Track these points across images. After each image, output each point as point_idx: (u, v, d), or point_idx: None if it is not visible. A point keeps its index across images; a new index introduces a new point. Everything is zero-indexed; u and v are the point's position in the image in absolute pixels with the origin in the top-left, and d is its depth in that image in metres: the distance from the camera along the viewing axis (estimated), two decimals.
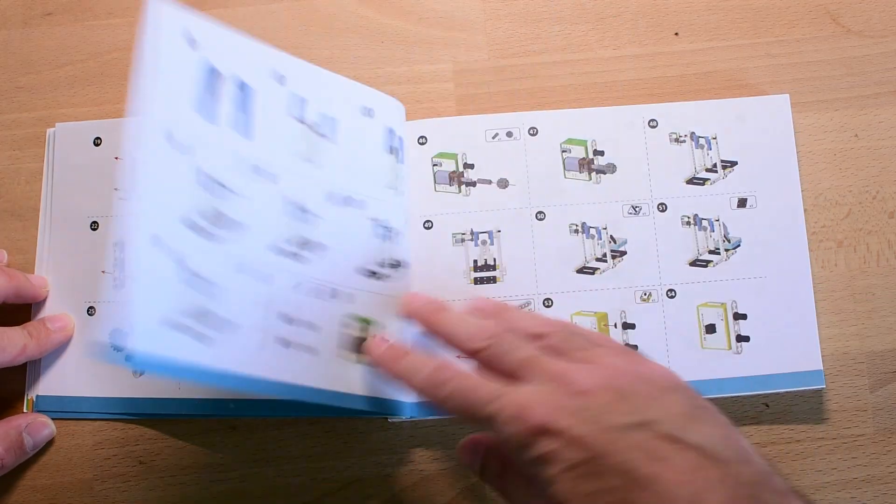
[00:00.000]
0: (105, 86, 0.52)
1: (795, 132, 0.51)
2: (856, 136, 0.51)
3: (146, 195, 0.39)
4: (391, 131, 0.49)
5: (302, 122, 0.45)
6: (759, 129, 0.50)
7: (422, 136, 0.50)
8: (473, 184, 0.49)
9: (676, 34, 0.52)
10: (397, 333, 0.46)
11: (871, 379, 0.49)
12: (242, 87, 0.43)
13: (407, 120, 0.51)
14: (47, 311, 0.49)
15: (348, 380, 0.45)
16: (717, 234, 0.49)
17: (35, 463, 0.48)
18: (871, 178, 0.50)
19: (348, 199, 0.46)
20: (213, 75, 0.42)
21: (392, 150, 0.48)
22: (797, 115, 0.51)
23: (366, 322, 0.46)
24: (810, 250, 0.50)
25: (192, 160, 0.41)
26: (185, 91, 0.41)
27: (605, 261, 0.48)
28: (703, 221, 0.49)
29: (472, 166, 0.50)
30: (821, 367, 0.47)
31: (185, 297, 0.39)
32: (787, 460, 0.48)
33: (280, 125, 0.44)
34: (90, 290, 0.49)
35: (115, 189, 0.49)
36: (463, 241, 0.49)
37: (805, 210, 0.50)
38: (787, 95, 0.50)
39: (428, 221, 0.49)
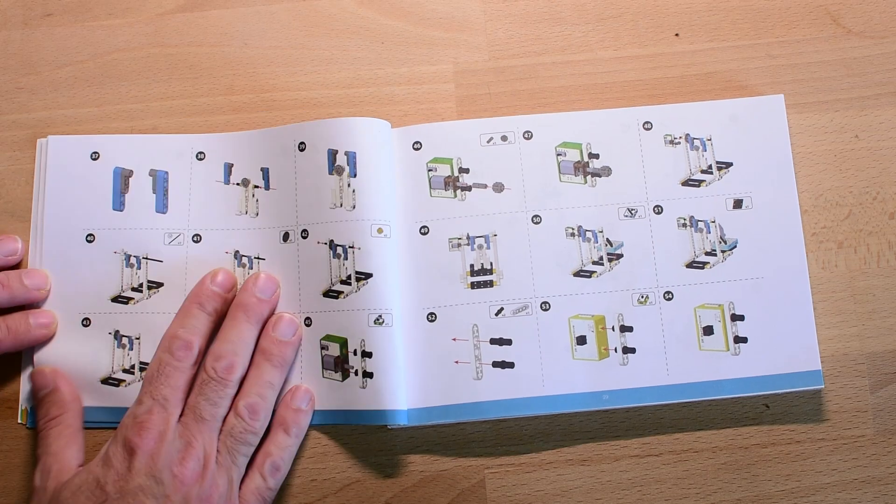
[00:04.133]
0: (105, 86, 0.52)
1: (796, 133, 0.51)
2: (856, 136, 0.51)
3: (72, 286, 0.49)
4: (332, 153, 0.48)
5: (227, 183, 0.50)
6: (754, 130, 0.50)
7: (416, 142, 0.50)
8: (469, 188, 0.49)
9: (677, 35, 0.52)
10: (376, 347, 0.47)
11: (872, 380, 0.49)
12: (154, 173, 0.50)
13: (406, 122, 0.51)
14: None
15: (337, 398, 0.47)
16: (714, 236, 0.49)
17: (35, 463, 0.48)
18: (872, 179, 0.50)
19: (290, 233, 0.48)
20: (121, 174, 0.50)
21: (336, 170, 0.48)
22: (798, 116, 0.51)
23: (341, 340, 0.47)
24: (811, 251, 0.50)
25: (112, 247, 0.49)
26: (98, 194, 0.49)
27: (602, 264, 0.48)
28: (699, 223, 0.49)
29: (467, 171, 0.49)
30: (819, 367, 0.47)
31: (118, 357, 0.48)
32: (787, 461, 0.48)
33: (206, 192, 0.50)
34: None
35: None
36: (459, 245, 0.49)
37: (805, 211, 0.50)
38: (782, 96, 0.50)
39: (424, 227, 0.49)
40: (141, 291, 0.49)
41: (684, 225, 0.49)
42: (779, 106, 0.50)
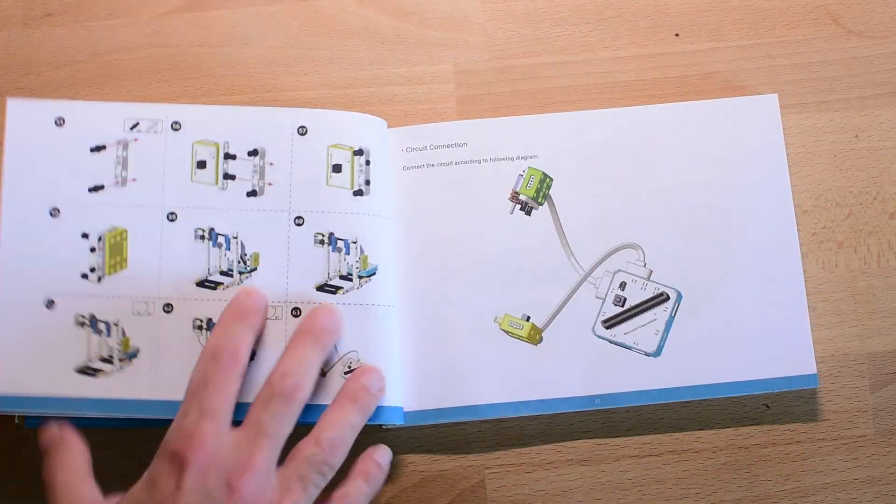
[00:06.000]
0: (105, 86, 0.52)
1: (796, 133, 0.51)
2: (856, 136, 0.51)
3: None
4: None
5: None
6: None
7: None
8: None
9: (677, 35, 0.52)
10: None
11: (872, 380, 0.49)
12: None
13: (407, 122, 0.51)
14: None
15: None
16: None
17: (36, 464, 0.48)
18: (872, 179, 0.50)
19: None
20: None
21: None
22: (797, 117, 0.51)
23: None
24: (811, 251, 0.50)
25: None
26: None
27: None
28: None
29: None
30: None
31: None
32: (787, 461, 0.48)
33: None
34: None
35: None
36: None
37: (805, 211, 0.50)
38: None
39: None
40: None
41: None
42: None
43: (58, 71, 0.52)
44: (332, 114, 0.48)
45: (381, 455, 0.45)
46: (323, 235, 0.47)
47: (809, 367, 0.47)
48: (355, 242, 0.47)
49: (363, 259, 0.47)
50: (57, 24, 0.53)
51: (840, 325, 0.49)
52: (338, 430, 0.42)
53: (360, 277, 0.47)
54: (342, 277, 0.47)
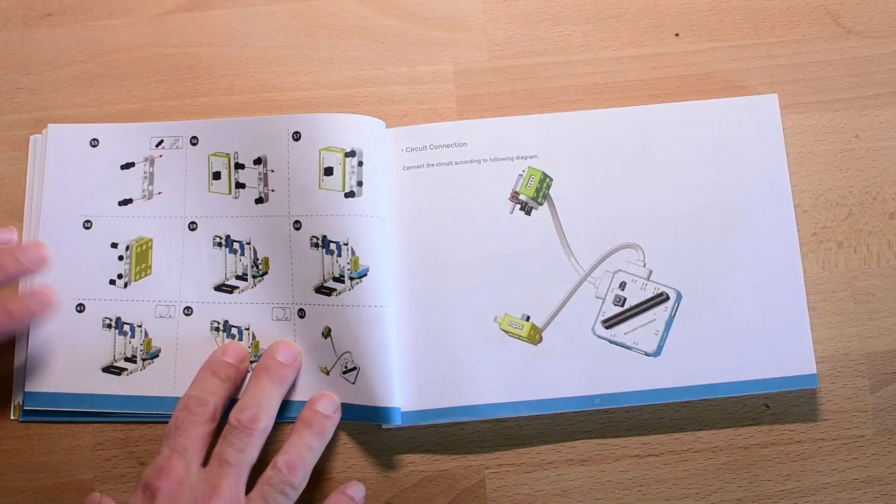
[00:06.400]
0: (105, 86, 0.52)
1: (796, 133, 0.51)
2: (856, 136, 0.51)
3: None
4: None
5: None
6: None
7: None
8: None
9: (677, 35, 0.52)
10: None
11: (872, 380, 0.49)
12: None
13: (407, 122, 0.51)
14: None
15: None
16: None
17: (35, 463, 0.48)
18: (872, 178, 0.50)
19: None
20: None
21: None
22: (798, 117, 0.51)
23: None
24: (811, 251, 0.50)
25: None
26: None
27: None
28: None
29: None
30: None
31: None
32: (787, 461, 0.48)
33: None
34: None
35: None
36: None
37: (805, 211, 0.50)
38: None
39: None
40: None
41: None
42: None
43: (58, 71, 0.52)
44: (325, 117, 0.48)
45: (354, 490, 0.47)
46: (317, 238, 0.47)
47: (809, 367, 0.47)
48: (346, 244, 0.47)
49: (354, 261, 0.47)
50: (57, 24, 0.53)
51: (840, 325, 0.49)
52: (294, 453, 0.44)
53: (352, 279, 0.47)
54: (335, 279, 0.47)
